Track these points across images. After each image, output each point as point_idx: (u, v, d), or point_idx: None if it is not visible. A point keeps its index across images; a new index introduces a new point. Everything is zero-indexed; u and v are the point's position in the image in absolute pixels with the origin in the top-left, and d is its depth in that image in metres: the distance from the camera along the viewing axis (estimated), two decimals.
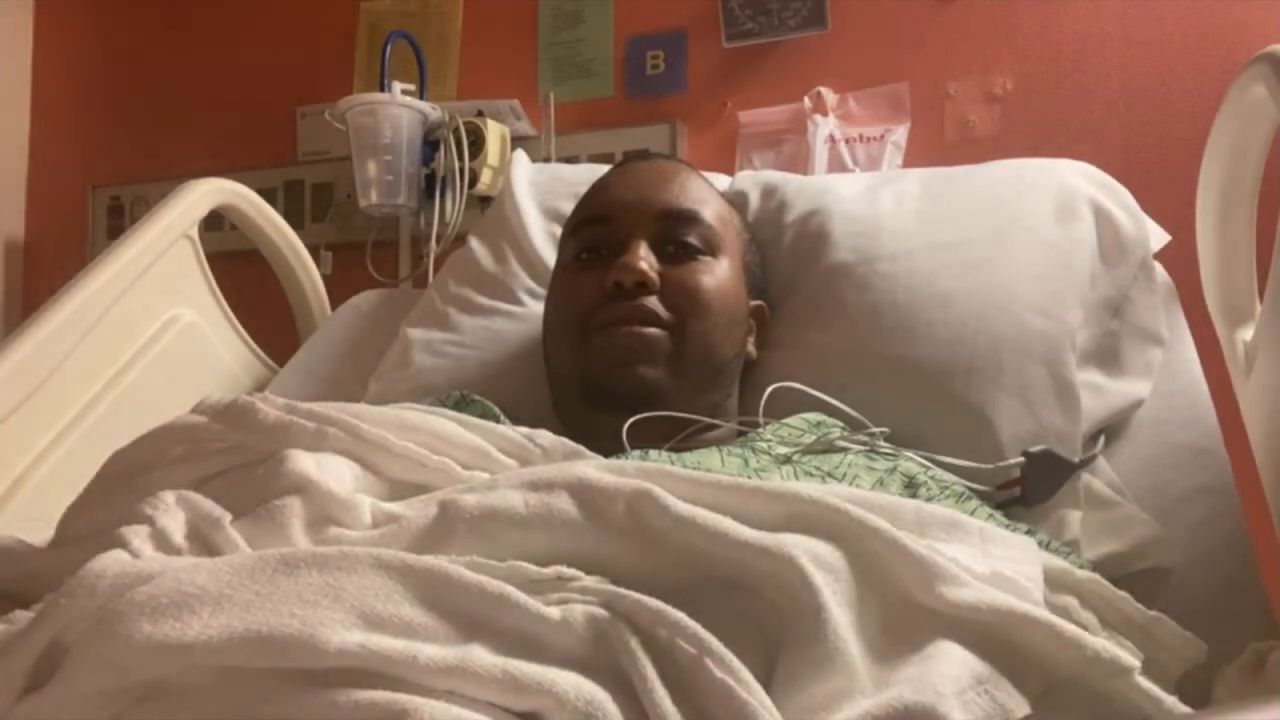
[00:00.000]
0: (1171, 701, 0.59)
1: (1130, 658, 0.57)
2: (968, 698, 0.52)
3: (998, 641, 0.56)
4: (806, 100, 1.58)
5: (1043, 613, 0.58)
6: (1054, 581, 0.69)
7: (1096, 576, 0.72)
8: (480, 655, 0.49)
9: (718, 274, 0.98)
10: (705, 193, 1.03)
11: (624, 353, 0.92)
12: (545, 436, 0.75)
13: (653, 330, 0.93)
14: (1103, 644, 0.57)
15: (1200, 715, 0.63)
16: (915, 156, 1.52)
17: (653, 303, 0.94)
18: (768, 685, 0.52)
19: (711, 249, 0.99)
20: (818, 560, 0.57)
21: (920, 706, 0.49)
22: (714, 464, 0.80)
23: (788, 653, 0.54)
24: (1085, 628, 0.63)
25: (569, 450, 0.74)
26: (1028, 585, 0.62)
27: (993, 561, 0.63)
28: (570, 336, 0.97)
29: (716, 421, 0.94)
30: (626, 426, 0.85)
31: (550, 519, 0.60)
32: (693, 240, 0.98)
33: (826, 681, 0.52)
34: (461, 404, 0.95)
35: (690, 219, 0.99)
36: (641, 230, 0.97)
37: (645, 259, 0.95)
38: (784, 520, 0.61)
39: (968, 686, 0.53)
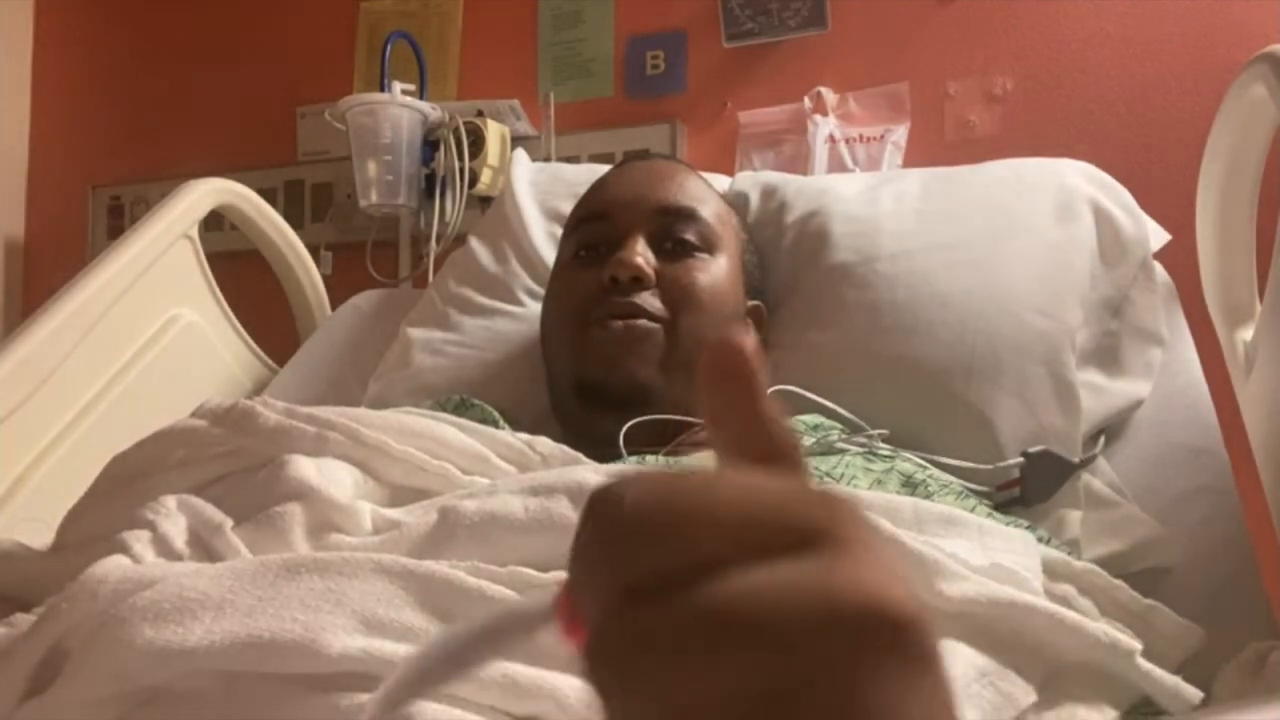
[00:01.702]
0: (1174, 681, 0.59)
1: (1131, 640, 0.57)
2: (972, 691, 0.52)
3: (1000, 633, 0.56)
4: (806, 100, 1.58)
5: (1042, 602, 0.58)
6: (1052, 571, 0.69)
7: (1094, 566, 0.73)
8: None
9: (714, 271, 0.98)
10: (703, 191, 1.04)
11: (617, 346, 0.92)
12: (544, 443, 0.75)
13: (646, 323, 0.93)
14: (1103, 629, 0.57)
15: (1200, 715, 0.63)
16: (915, 156, 1.52)
17: (648, 298, 0.94)
18: None
19: (709, 246, 0.99)
20: None
21: None
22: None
23: None
24: (1084, 615, 0.63)
25: (568, 456, 0.74)
26: (1026, 576, 0.63)
27: (991, 554, 0.64)
28: (567, 332, 0.98)
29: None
30: (624, 431, 0.85)
31: (550, 524, 0.60)
32: (690, 237, 0.98)
33: None
34: (461, 408, 0.95)
35: (688, 216, 0.99)
36: (639, 227, 0.98)
37: (642, 254, 0.95)
38: None
39: (972, 680, 0.53)
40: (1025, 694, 0.53)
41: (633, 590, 0.25)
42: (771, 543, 0.25)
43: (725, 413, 0.29)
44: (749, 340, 0.29)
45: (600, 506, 0.26)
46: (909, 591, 0.25)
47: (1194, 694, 0.62)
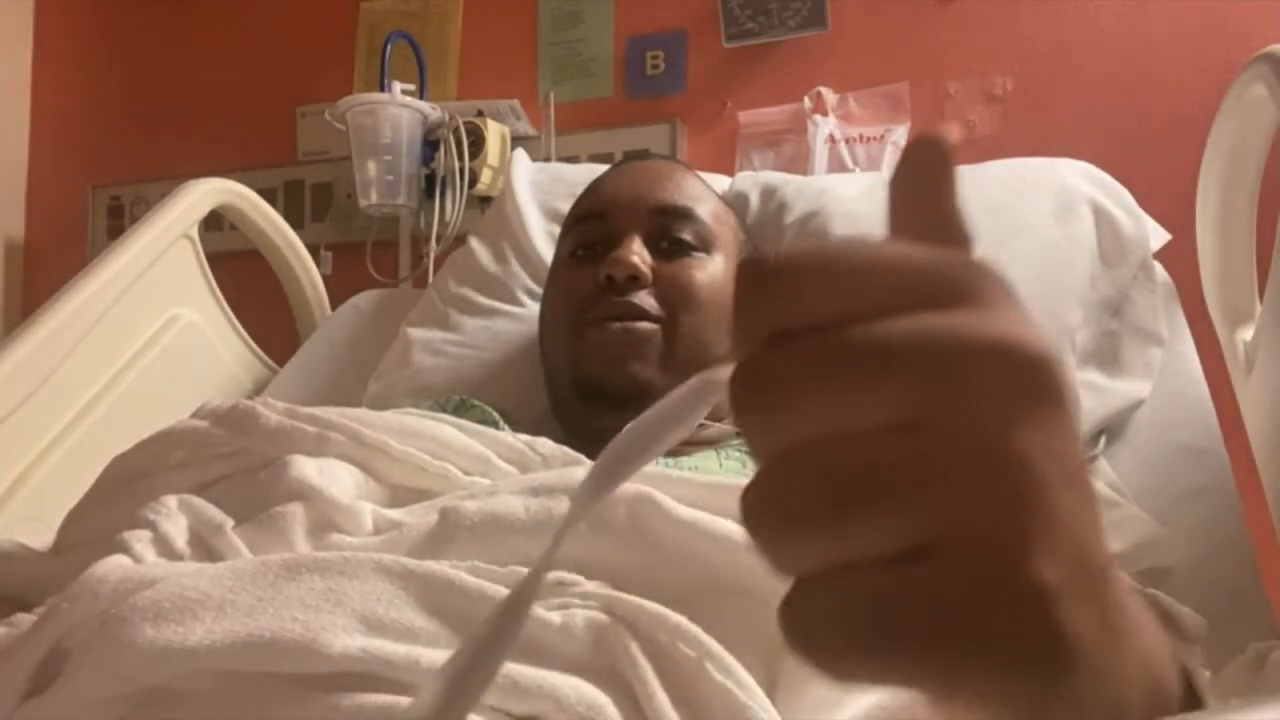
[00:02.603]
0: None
1: None
2: None
3: None
4: (806, 100, 1.58)
5: None
6: None
7: None
8: None
9: (711, 270, 0.98)
10: (701, 191, 1.03)
11: (616, 349, 0.92)
12: (545, 444, 0.75)
13: (644, 325, 0.93)
14: None
15: (1201, 715, 0.63)
16: None
17: (644, 297, 0.94)
18: (770, 689, 0.52)
19: (706, 246, 0.99)
20: None
21: None
22: (712, 467, 0.80)
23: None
24: None
25: (568, 457, 0.74)
26: None
27: None
28: (564, 331, 0.97)
29: (713, 423, 0.94)
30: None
31: (551, 524, 0.60)
32: (687, 237, 0.98)
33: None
34: (461, 408, 0.95)
35: (685, 215, 0.99)
36: (636, 226, 0.97)
37: (638, 253, 0.95)
38: None
39: None
40: None
41: (778, 334, 0.27)
42: (915, 296, 0.27)
43: (913, 202, 0.31)
44: (956, 134, 0.30)
45: (749, 266, 0.28)
46: (1044, 334, 0.27)
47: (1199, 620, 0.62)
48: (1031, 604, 0.25)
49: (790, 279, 0.27)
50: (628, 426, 0.32)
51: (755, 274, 0.28)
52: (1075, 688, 0.27)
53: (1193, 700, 0.32)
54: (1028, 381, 0.26)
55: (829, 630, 0.26)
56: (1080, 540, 0.26)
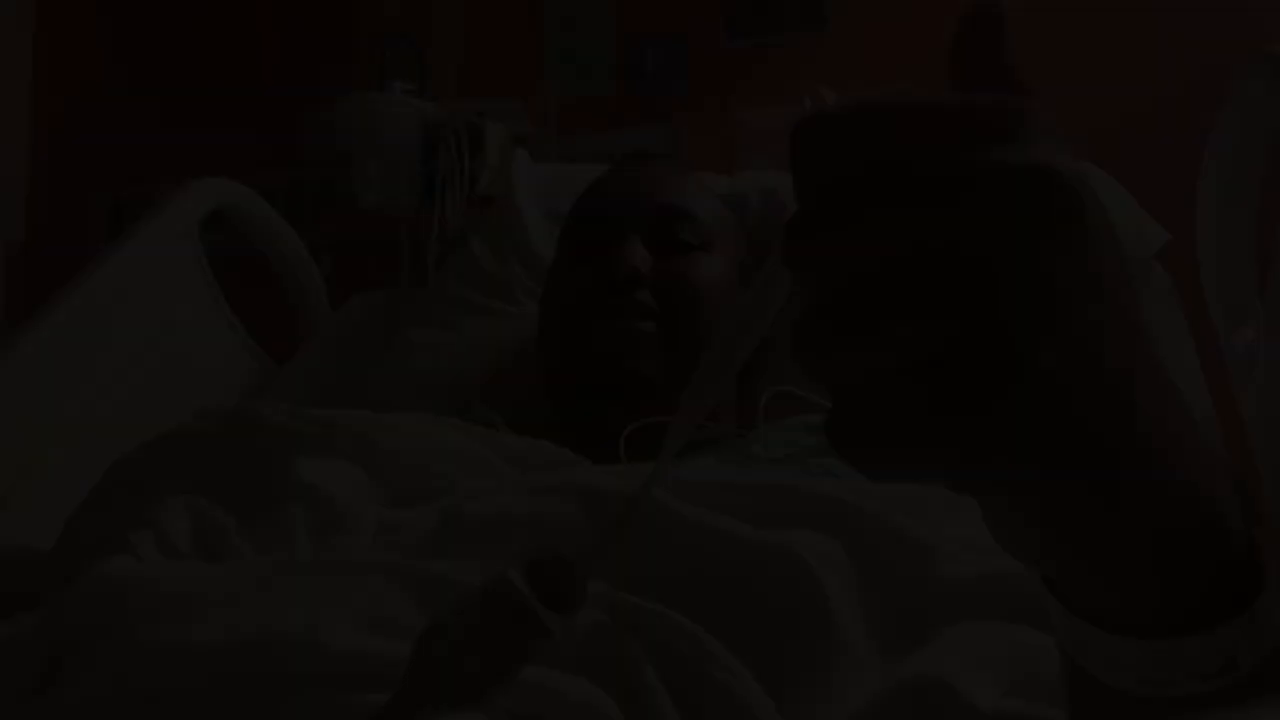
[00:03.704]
0: None
1: None
2: (987, 654, 0.53)
3: (1006, 604, 0.56)
4: (806, 100, 1.58)
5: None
6: None
7: None
8: None
9: (710, 269, 0.98)
10: (699, 191, 1.04)
11: (616, 349, 0.92)
12: (546, 446, 0.75)
13: (644, 325, 0.93)
14: None
15: (1201, 715, 0.63)
16: None
17: (644, 297, 0.94)
18: (773, 687, 0.52)
19: (705, 245, 0.99)
20: (820, 555, 0.57)
21: (927, 679, 0.50)
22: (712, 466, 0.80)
23: (795, 650, 0.54)
24: None
25: (569, 459, 0.74)
26: None
27: None
28: (564, 333, 0.98)
29: (714, 424, 0.94)
30: (625, 435, 0.85)
31: (551, 526, 0.60)
32: (685, 237, 0.98)
33: (834, 676, 0.53)
34: (461, 409, 0.95)
35: (684, 216, 0.99)
36: (635, 227, 0.98)
37: (637, 254, 0.95)
38: (785, 516, 0.61)
39: (984, 643, 0.53)
40: (1040, 642, 0.54)
41: (825, 188, 0.29)
42: (950, 137, 0.29)
43: (970, 63, 0.33)
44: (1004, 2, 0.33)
45: (798, 125, 0.30)
46: (1074, 164, 0.29)
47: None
48: (1029, 401, 0.28)
49: (828, 132, 0.29)
50: (717, 338, 0.35)
51: (798, 136, 0.30)
52: (1087, 486, 0.29)
53: (1254, 569, 0.32)
54: (1044, 203, 0.28)
55: (856, 430, 0.29)
56: (1095, 347, 0.29)
